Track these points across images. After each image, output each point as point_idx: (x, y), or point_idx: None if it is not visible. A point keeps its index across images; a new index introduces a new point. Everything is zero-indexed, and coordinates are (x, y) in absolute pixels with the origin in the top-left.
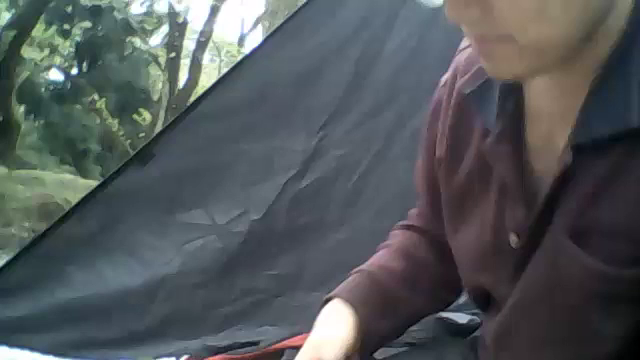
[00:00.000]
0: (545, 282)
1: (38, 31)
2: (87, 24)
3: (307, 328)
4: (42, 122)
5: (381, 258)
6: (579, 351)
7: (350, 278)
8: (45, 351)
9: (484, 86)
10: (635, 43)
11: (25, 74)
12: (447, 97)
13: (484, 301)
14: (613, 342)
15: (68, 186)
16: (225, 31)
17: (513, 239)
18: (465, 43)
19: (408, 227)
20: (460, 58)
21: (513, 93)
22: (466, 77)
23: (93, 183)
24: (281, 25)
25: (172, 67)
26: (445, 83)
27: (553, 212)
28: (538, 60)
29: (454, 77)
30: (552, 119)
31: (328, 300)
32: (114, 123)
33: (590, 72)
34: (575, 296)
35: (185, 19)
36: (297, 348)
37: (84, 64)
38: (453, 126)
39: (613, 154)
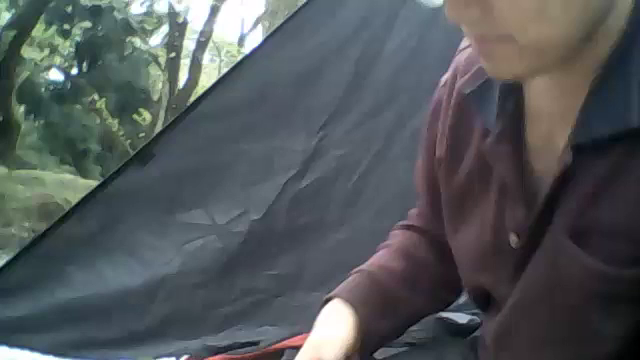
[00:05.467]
0: (545, 282)
1: (38, 31)
2: (87, 24)
3: (307, 328)
4: (42, 122)
5: (381, 258)
6: (579, 351)
7: (350, 278)
8: (45, 351)
9: (484, 86)
10: (635, 43)
11: (25, 74)
12: (447, 97)
13: (484, 301)
14: (613, 342)
15: (68, 186)
16: (225, 31)
17: (513, 239)
18: (465, 43)
19: (408, 227)
20: (460, 58)
21: (513, 93)
22: (466, 77)
23: (93, 183)
24: (281, 25)
25: (172, 67)
26: (445, 83)
27: (553, 212)
28: (538, 60)
29: (454, 77)
30: (552, 119)
31: (328, 300)
32: (114, 123)
33: (590, 72)
34: (575, 296)
35: (185, 19)
36: (297, 348)
37: (84, 64)
38: (453, 126)
39: (613, 154)
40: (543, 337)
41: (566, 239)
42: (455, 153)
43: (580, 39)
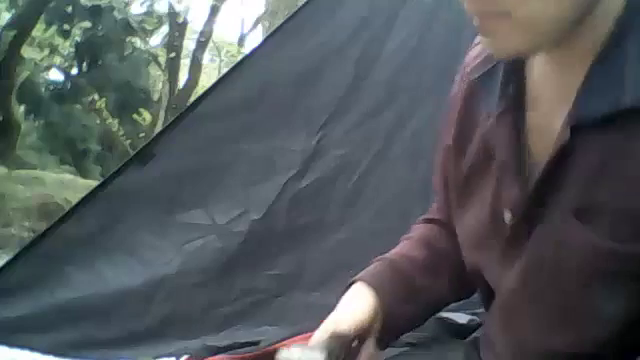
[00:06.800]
0: (548, 263)
1: (38, 31)
2: (87, 24)
3: (307, 328)
4: (42, 122)
5: (403, 248)
6: (582, 334)
7: (372, 266)
8: (45, 351)
9: (491, 72)
10: (630, 26)
11: (25, 74)
12: (459, 87)
13: (486, 288)
14: (614, 324)
15: (68, 186)
16: (225, 31)
17: (507, 216)
18: (477, 39)
19: (429, 220)
20: (472, 51)
21: (515, 78)
22: (475, 63)
23: (93, 183)
24: (281, 25)
25: (172, 67)
26: (460, 77)
27: (550, 191)
28: (533, 36)
29: (464, 68)
30: (551, 103)
31: (351, 285)
32: (114, 123)
33: (588, 57)
34: (579, 276)
35: (185, 19)
36: None
37: (84, 64)
38: (462, 113)
39: (610, 134)
40: (546, 320)
41: (571, 218)
42: (462, 139)
43: (573, 21)
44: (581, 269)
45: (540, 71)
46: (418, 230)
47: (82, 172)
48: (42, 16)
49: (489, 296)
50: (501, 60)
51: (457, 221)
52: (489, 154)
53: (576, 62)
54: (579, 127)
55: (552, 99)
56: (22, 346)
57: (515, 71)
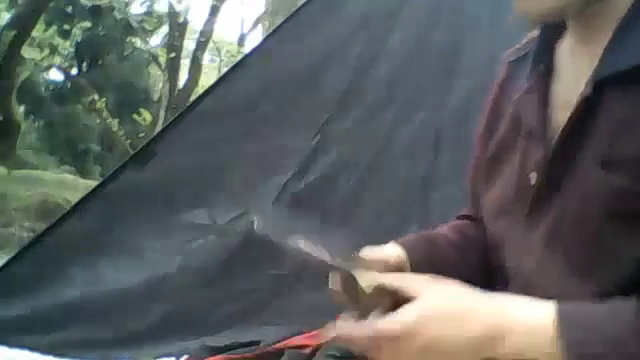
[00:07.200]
0: (570, 215)
1: (38, 31)
2: (87, 24)
3: (307, 328)
4: (42, 122)
5: (436, 230)
6: (603, 281)
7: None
8: (45, 351)
9: (524, 57)
10: None
11: (25, 74)
12: (497, 79)
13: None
14: (633, 269)
15: (68, 186)
16: (225, 31)
17: (533, 176)
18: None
19: (462, 217)
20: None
21: (545, 58)
22: (511, 49)
23: (93, 183)
24: (281, 25)
25: (172, 67)
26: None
27: (574, 146)
28: None
29: (504, 58)
30: (577, 75)
31: None
32: (114, 123)
33: (610, 32)
34: (599, 221)
35: (185, 19)
36: (297, 348)
37: (84, 64)
38: (497, 96)
39: (631, 91)
40: (569, 273)
41: (596, 170)
42: (494, 119)
43: None
44: (602, 213)
45: (568, 50)
46: (451, 221)
47: (82, 172)
48: (42, 16)
49: (504, 275)
50: (533, 47)
51: (483, 199)
52: (518, 128)
53: (599, 38)
54: (602, 84)
55: (577, 72)
56: (22, 346)
57: (546, 51)
